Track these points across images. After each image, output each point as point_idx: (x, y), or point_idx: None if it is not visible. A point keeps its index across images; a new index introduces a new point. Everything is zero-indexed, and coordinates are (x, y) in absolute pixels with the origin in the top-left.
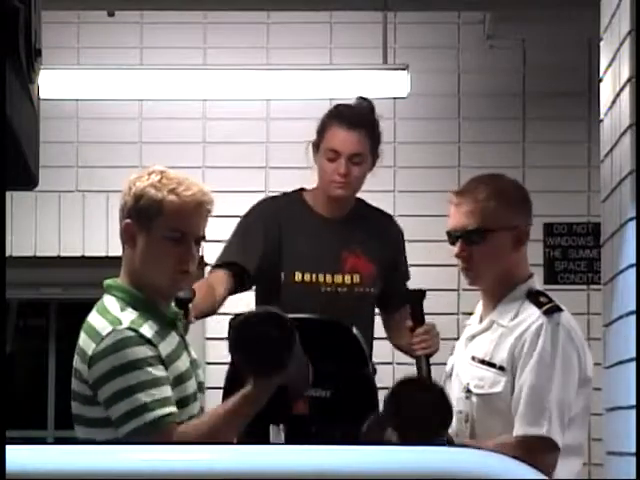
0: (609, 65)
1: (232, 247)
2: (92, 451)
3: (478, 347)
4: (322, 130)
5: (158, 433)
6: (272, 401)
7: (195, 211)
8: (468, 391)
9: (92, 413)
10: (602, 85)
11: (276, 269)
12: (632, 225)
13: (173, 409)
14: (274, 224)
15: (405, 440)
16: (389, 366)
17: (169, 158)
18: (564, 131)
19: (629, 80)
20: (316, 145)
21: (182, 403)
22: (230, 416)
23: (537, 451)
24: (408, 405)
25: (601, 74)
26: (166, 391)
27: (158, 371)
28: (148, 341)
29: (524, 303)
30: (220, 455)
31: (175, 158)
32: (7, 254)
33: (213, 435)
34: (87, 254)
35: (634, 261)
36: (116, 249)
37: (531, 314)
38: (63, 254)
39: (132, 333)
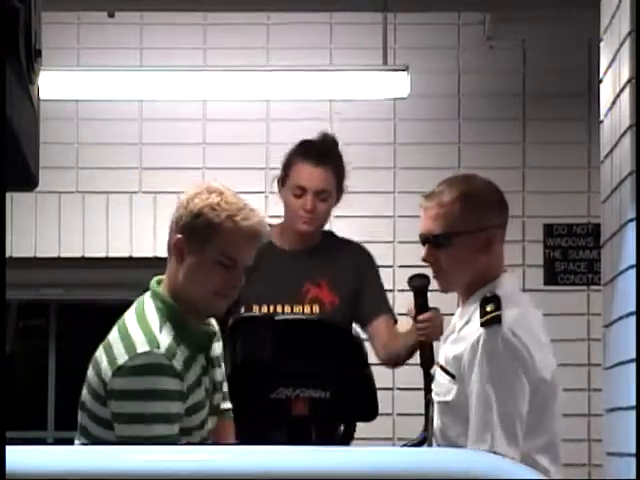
0: (609, 66)
1: None
2: (92, 452)
3: (443, 351)
4: (287, 166)
5: None
6: (271, 407)
7: (250, 241)
8: (431, 396)
9: (100, 411)
10: (602, 86)
11: (236, 305)
12: (632, 226)
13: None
14: None
15: None
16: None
17: (169, 159)
18: (564, 132)
19: (629, 81)
20: (282, 180)
21: (189, 431)
22: None
23: None
24: None
25: (601, 75)
26: (174, 429)
27: (175, 407)
28: (177, 375)
29: (477, 309)
30: (220, 456)
31: (175, 159)
32: (7, 255)
33: None
34: (87, 255)
35: (634, 262)
36: (116, 250)
37: (474, 324)
38: (63, 255)
39: (166, 362)
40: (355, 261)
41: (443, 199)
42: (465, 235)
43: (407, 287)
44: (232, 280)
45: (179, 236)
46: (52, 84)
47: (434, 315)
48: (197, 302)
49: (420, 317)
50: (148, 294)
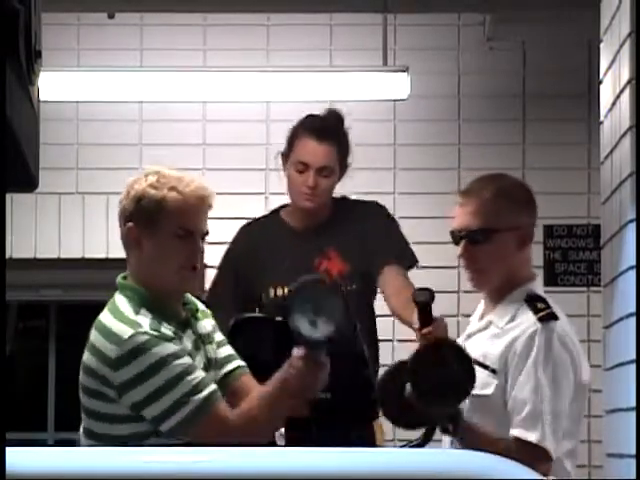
0: (609, 67)
1: (216, 290)
2: (92, 453)
3: (473, 347)
4: (291, 141)
5: (208, 415)
6: None
7: (198, 206)
8: None
9: (100, 408)
10: (602, 87)
11: (254, 291)
12: (632, 227)
13: (213, 387)
14: (249, 252)
15: (419, 399)
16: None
17: (169, 160)
18: (564, 133)
19: (629, 82)
20: (285, 155)
21: None
22: (270, 399)
23: (529, 457)
24: (434, 364)
25: (601, 76)
26: (200, 374)
27: (186, 360)
28: (171, 339)
29: (522, 307)
30: (221, 457)
31: (175, 160)
32: (7, 256)
33: (258, 418)
34: (87, 256)
35: (634, 263)
36: (116, 251)
37: (527, 319)
38: (63, 256)
39: (154, 333)
40: (364, 221)
41: (481, 196)
42: (503, 232)
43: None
44: (192, 250)
45: (130, 224)
46: (52, 85)
47: (438, 325)
48: (167, 281)
49: (424, 330)
50: (117, 292)
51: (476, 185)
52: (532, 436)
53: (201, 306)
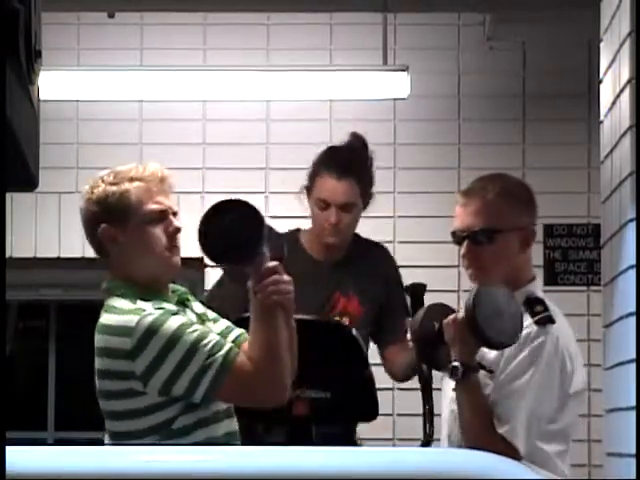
0: (609, 66)
1: (219, 294)
2: (92, 453)
3: None
4: (313, 176)
5: (231, 373)
6: (272, 407)
7: (160, 187)
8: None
9: (128, 405)
10: (602, 86)
11: None
12: (632, 226)
13: (229, 346)
14: None
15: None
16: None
17: (169, 159)
18: (564, 132)
19: (629, 81)
20: (308, 189)
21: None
22: (264, 333)
23: (497, 448)
24: (485, 304)
25: (601, 75)
26: (214, 337)
27: (196, 327)
28: (177, 313)
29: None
30: (220, 457)
31: (175, 159)
32: (7, 255)
33: (270, 350)
34: (87, 255)
35: (634, 262)
36: None
37: (523, 321)
38: (63, 255)
39: (159, 311)
40: (383, 273)
41: (486, 195)
42: (506, 232)
43: (407, 287)
44: (169, 230)
45: (103, 226)
46: (52, 84)
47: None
48: (153, 268)
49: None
50: (108, 295)
51: (478, 185)
52: (503, 428)
53: (185, 290)
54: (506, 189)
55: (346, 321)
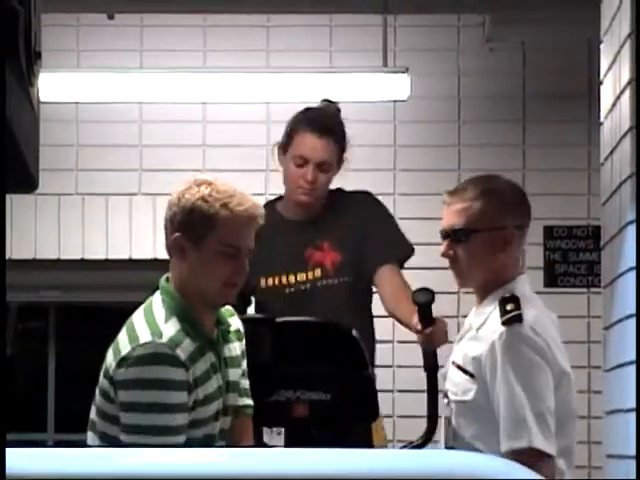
0: (609, 67)
1: None
2: (92, 455)
3: (458, 350)
4: (290, 134)
5: None
6: (272, 409)
7: (248, 226)
8: (446, 396)
9: (105, 407)
10: (602, 87)
11: (247, 282)
12: (632, 228)
13: (182, 439)
14: None
15: None
16: (389, 369)
17: (169, 161)
18: (564, 134)
19: (629, 83)
20: (283, 148)
21: (201, 423)
22: None
23: (526, 463)
24: None
25: (601, 76)
26: (180, 419)
27: (180, 397)
28: (182, 364)
29: (495, 309)
30: (220, 459)
31: (175, 161)
32: (7, 257)
33: None
34: (87, 257)
35: (634, 264)
36: (115, 252)
37: (494, 323)
38: (63, 257)
39: (168, 351)
40: (359, 213)
41: (465, 196)
42: (483, 232)
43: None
44: (238, 268)
45: (177, 234)
46: (52, 86)
47: (439, 326)
48: (206, 295)
49: (426, 331)
50: (158, 292)
51: (462, 185)
52: (522, 442)
53: (235, 326)
54: (488, 190)
55: (318, 273)
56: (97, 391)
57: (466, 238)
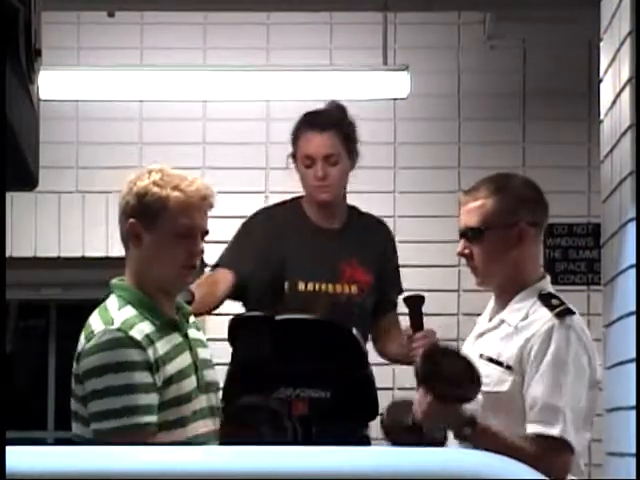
0: (609, 65)
1: (229, 253)
2: (92, 452)
3: (486, 345)
4: (295, 139)
5: (133, 437)
6: (271, 401)
7: (200, 205)
8: None
9: (74, 407)
10: (602, 85)
11: (279, 277)
12: (632, 226)
13: (152, 418)
14: (275, 233)
15: (437, 396)
16: (389, 367)
17: (169, 159)
18: (564, 131)
19: (629, 80)
20: (293, 156)
21: (177, 401)
22: None
23: (552, 451)
24: (441, 365)
25: (601, 74)
26: (146, 399)
27: (141, 377)
28: (137, 344)
29: (535, 305)
30: (220, 456)
31: (175, 159)
32: (7, 255)
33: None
34: (87, 255)
35: (634, 262)
36: (116, 250)
37: (542, 316)
38: (63, 255)
39: (121, 334)
40: (382, 242)
41: (479, 194)
42: (497, 229)
43: (407, 287)
44: (193, 249)
45: (132, 220)
46: (52, 84)
47: (430, 333)
48: (165, 279)
49: (416, 336)
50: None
51: (477, 185)
52: (554, 430)
53: (190, 311)
54: (501, 187)
55: (355, 290)
56: (71, 398)
57: (480, 236)
